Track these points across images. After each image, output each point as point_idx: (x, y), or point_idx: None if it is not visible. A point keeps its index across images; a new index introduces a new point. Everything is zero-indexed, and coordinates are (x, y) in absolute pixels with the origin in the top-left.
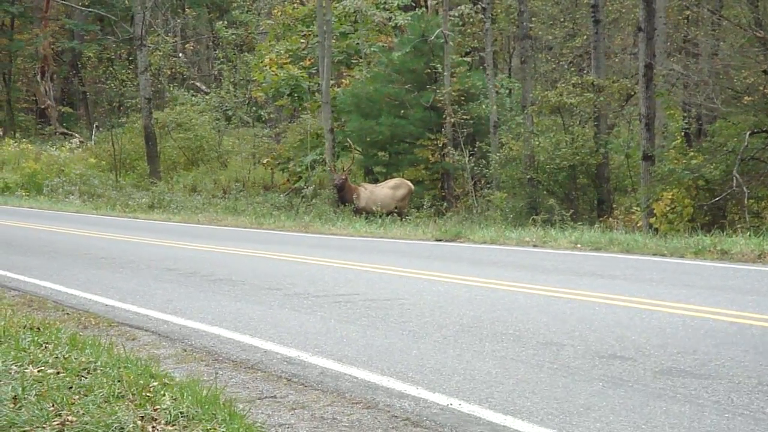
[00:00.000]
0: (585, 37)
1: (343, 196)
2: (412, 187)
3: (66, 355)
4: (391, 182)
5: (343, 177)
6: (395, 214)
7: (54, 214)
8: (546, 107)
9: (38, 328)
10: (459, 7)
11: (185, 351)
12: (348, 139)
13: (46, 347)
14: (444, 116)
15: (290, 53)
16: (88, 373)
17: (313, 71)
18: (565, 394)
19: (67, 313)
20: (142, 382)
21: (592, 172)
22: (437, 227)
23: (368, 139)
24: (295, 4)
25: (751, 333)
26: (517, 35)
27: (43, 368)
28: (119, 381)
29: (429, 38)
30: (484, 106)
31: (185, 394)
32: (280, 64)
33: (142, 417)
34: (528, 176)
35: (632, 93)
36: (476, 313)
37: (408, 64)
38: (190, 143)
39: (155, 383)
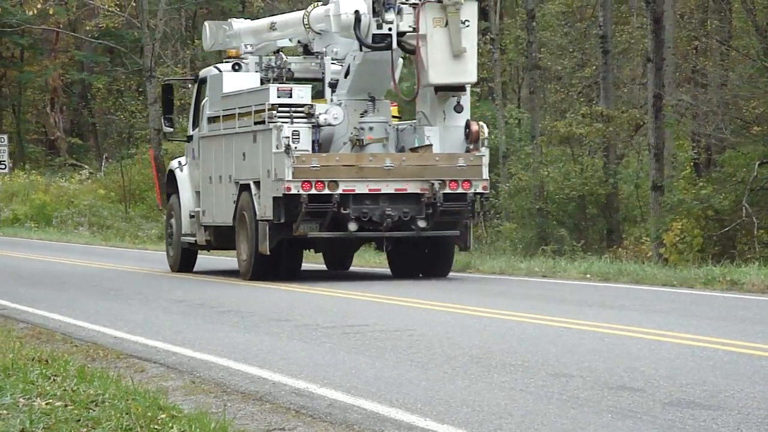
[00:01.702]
0: (594, 67)
1: None
2: None
3: (74, 388)
4: None
5: None
6: None
7: (63, 246)
8: (555, 137)
9: (47, 361)
10: None
11: (194, 383)
12: None
13: (54, 380)
14: None
15: None
16: (97, 405)
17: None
18: (574, 426)
19: (76, 345)
20: (150, 414)
21: (602, 202)
22: None
23: None
24: None
25: (761, 364)
26: (526, 65)
27: (51, 401)
28: (127, 413)
29: None
30: (493, 137)
31: (194, 426)
32: None
33: None
34: (537, 206)
35: (641, 123)
36: (485, 344)
37: None
38: None
39: (163, 415)
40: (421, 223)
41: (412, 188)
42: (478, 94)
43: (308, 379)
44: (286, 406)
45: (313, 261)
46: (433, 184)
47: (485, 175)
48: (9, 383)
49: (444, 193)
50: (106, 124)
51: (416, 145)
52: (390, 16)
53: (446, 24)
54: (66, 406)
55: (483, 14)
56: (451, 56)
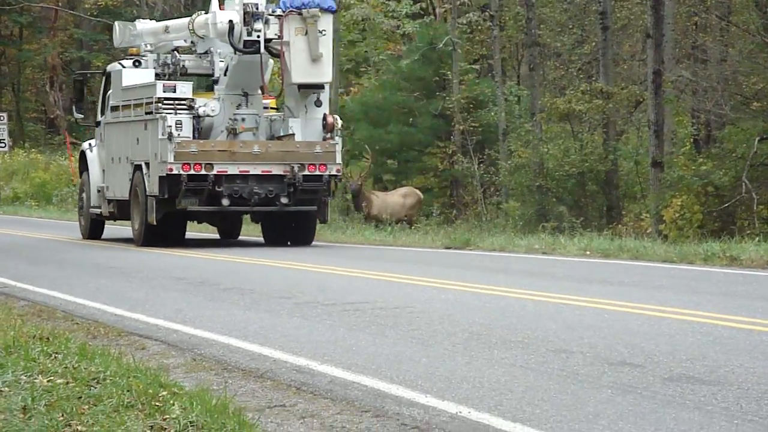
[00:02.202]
0: (593, 44)
1: (356, 203)
2: (422, 195)
3: (75, 365)
4: (402, 190)
5: (359, 182)
6: (404, 222)
7: (63, 224)
8: (555, 114)
9: (48, 338)
10: (467, 15)
11: (194, 360)
12: (366, 147)
13: (55, 357)
14: (453, 124)
15: None
16: (98, 382)
17: None
18: (574, 402)
19: (77, 323)
20: (151, 391)
21: (602, 179)
22: (446, 235)
23: (377, 147)
24: None
25: (761, 339)
26: (525, 42)
27: (52, 378)
28: (128, 390)
29: (437, 46)
30: (492, 114)
31: (194, 403)
32: None
33: (152, 426)
34: (537, 183)
35: (641, 100)
36: (485, 321)
37: (416, 72)
38: None
39: (164, 393)
40: (284, 200)
41: (276, 170)
42: (478, 72)
43: (309, 356)
44: (287, 383)
45: (248, 232)
46: (293, 167)
47: (339, 159)
48: (10, 361)
49: (303, 175)
50: None
51: (281, 134)
52: (258, 25)
53: (306, 33)
54: (67, 383)
55: None
56: (310, 60)
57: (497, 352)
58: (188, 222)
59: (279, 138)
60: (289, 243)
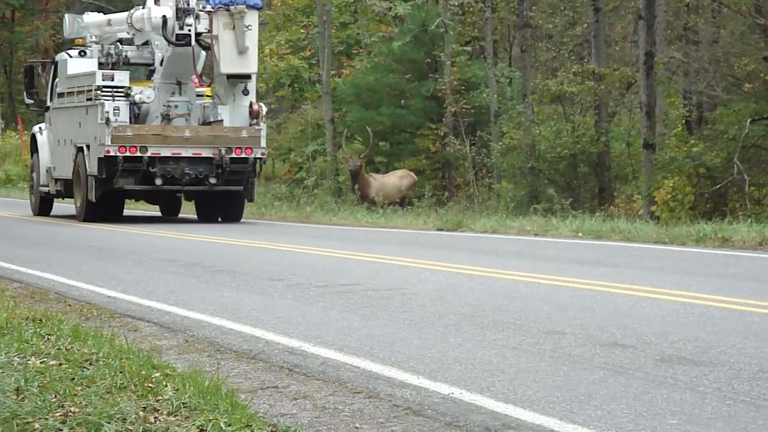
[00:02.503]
0: (585, 25)
1: (352, 183)
2: (416, 178)
3: (68, 347)
4: (398, 173)
5: (359, 163)
6: (397, 204)
7: (56, 206)
8: (546, 96)
9: (40, 320)
10: None
11: (187, 342)
12: (368, 128)
13: (48, 339)
14: (444, 106)
15: (290, 44)
16: (91, 364)
17: (314, 62)
18: (567, 383)
19: (69, 305)
20: (144, 373)
21: (593, 161)
22: (438, 217)
23: (369, 130)
24: None
25: (752, 320)
26: (517, 24)
27: (45, 360)
28: (121, 372)
29: (429, 28)
30: (484, 96)
31: (187, 384)
32: (281, 54)
33: (145, 408)
34: (529, 165)
35: (633, 81)
36: (477, 303)
37: (408, 54)
38: None
39: (157, 374)
40: (213, 180)
41: (205, 153)
42: (470, 53)
43: (301, 338)
44: (279, 365)
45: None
46: (221, 150)
47: (263, 144)
48: (3, 342)
49: (230, 157)
50: None
51: (211, 120)
52: (190, 20)
53: (233, 27)
54: (60, 364)
55: None
56: (237, 52)
57: (489, 333)
58: (127, 200)
59: (208, 123)
60: (219, 219)
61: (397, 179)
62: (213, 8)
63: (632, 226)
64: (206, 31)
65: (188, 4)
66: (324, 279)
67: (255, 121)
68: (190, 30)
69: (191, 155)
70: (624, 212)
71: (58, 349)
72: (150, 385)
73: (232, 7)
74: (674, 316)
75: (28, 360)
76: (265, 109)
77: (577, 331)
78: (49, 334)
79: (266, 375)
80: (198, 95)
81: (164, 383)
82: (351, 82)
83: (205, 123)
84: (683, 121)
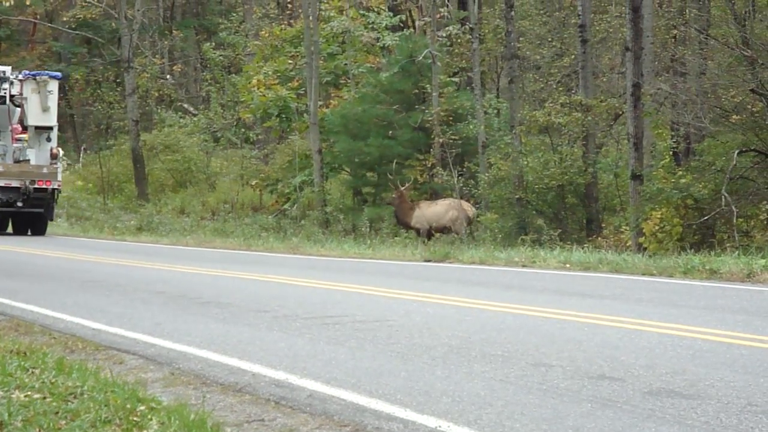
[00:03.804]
0: (573, 56)
1: (396, 214)
2: (470, 211)
3: (53, 380)
4: (446, 202)
5: (394, 196)
6: (443, 233)
7: (41, 237)
8: (534, 127)
9: (25, 353)
10: (447, 28)
11: (173, 374)
12: (403, 179)
13: (32, 372)
14: (432, 136)
15: (278, 74)
16: (75, 397)
17: (301, 92)
18: (554, 416)
19: (54, 338)
20: (129, 406)
21: (581, 192)
22: (426, 248)
23: (357, 160)
24: (283, 26)
25: (740, 353)
26: (504, 55)
27: (29, 393)
28: (106, 405)
29: (417, 59)
30: (472, 126)
31: (172, 418)
32: (268, 85)
33: None
34: (517, 196)
35: (620, 112)
36: (465, 334)
37: (396, 85)
38: (178, 165)
39: (142, 407)
40: (20, 204)
41: (15, 183)
42: (457, 84)
43: (288, 370)
44: (266, 397)
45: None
46: (26, 181)
47: (59, 178)
48: None
49: (33, 188)
50: (84, 116)
51: (20, 159)
52: (6, 85)
53: (39, 92)
54: (44, 398)
55: (462, 4)
56: (42, 110)
57: (477, 365)
58: None
59: (18, 162)
60: (29, 233)
61: (442, 209)
62: (23, 78)
63: (620, 258)
64: (18, 94)
65: (5, 74)
66: (311, 310)
67: (54, 161)
68: (5, 92)
69: (3, 185)
70: (612, 243)
71: (43, 382)
72: (135, 418)
73: (38, 77)
74: (662, 348)
75: (12, 394)
76: (62, 152)
77: (565, 364)
78: (33, 368)
79: (252, 408)
80: (18, 140)
81: (149, 417)
82: (339, 112)
83: (17, 161)
84: (671, 153)
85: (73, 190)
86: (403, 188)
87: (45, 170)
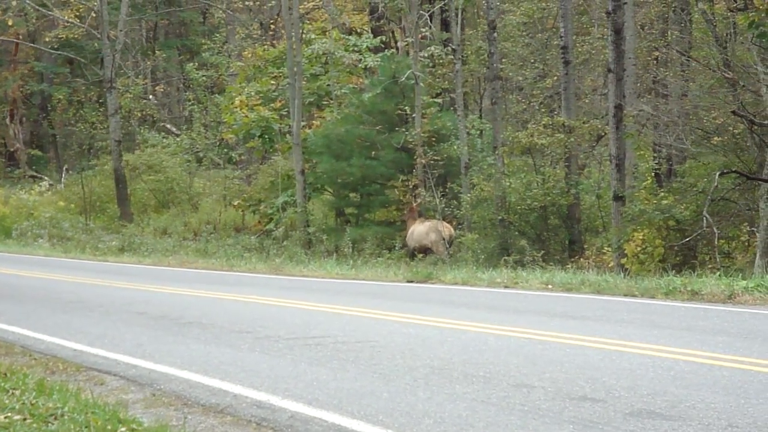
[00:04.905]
0: (555, 78)
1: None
2: (447, 233)
3: (33, 401)
4: (429, 223)
5: (405, 212)
6: (426, 253)
7: (23, 258)
8: (517, 148)
9: (5, 374)
10: (429, 48)
11: (154, 395)
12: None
13: (12, 393)
14: (415, 157)
15: (261, 95)
16: (56, 419)
17: (284, 113)
18: None
19: (35, 359)
20: (110, 427)
21: (564, 213)
22: (409, 269)
23: (339, 181)
24: (266, 46)
25: (721, 374)
26: (487, 76)
27: (9, 415)
28: (87, 427)
29: (399, 79)
30: (455, 147)
31: None
32: (251, 105)
33: None
34: (499, 217)
35: (603, 134)
36: (447, 355)
37: (379, 106)
38: (160, 185)
39: (123, 429)
40: None
41: None
42: (440, 105)
43: (269, 391)
44: (247, 419)
45: None
46: None
47: None
48: None
49: None
50: (67, 136)
51: None
52: None
53: None
54: (25, 419)
55: (445, 25)
56: None
57: (459, 386)
58: None
59: None
60: None
61: (424, 230)
62: None
63: (602, 279)
64: None
65: None
66: (293, 331)
67: None
68: None
69: None
70: (594, 264)
71: (23, 403)
72: None
73: None
74: (643, 369)
75: None
76: None
77: (547, 385)
78: (13, 389)
79: (233, 429)
80: None
81: None
82: (321, 133)
83: None
84: (653, 174)
85: (55, 211)
86: (415, 204)
87: None
